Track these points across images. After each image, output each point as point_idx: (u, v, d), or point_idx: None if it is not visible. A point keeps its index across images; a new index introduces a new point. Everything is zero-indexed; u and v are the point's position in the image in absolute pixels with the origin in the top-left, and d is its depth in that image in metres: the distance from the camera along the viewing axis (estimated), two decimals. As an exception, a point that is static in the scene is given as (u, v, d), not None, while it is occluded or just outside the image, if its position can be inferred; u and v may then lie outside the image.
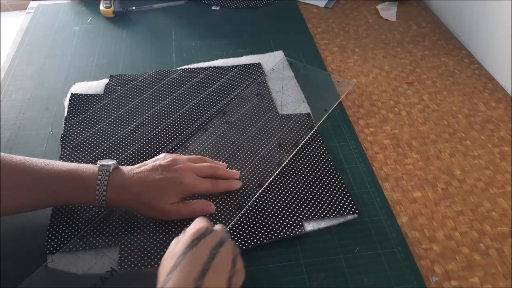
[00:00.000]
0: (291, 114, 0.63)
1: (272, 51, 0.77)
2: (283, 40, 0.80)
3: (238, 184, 0.53)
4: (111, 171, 0.45)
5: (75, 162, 0.53)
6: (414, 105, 0.67)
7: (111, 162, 0.46)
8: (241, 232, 0.49)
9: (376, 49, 0.80)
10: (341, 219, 0.50)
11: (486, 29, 0.75)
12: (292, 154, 0.57)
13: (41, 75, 0.72)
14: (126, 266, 0.45)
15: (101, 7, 0.86)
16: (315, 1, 0.92)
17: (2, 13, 2.20)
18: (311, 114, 0.64)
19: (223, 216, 0.50)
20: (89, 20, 0.87)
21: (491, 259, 0.48)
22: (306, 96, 0.67)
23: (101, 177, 0.45)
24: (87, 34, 0.82)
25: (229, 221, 0.49)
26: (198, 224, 0.41)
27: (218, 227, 0.42)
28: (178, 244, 0.38)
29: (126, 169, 0.47)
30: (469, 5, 0.79)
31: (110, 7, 0.85)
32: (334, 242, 0.49)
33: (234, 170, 0.54)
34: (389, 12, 0.89)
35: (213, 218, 0.50)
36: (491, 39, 0.74)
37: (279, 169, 0.55)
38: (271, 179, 0.54)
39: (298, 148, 0.58)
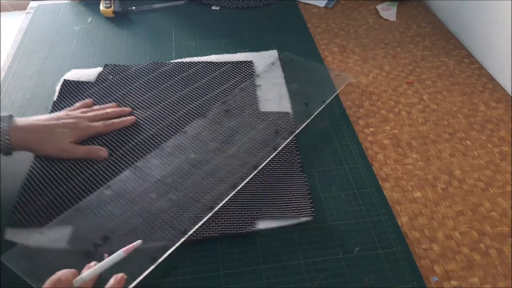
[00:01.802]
0: (271, 112, 0.63)
1: (272, 51, 0.77)
2: (283, 40, 0.80)
3: (131, 119, 0.60)
4: (8, 117, 0.52)
5: None
6: (414, 105, 0.68)
7: (5, 114, 0.52)
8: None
9: (376, 49, 0.80)
10: (295, 221, 0.50)
11: (486, 29, 0.75)
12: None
13: (41, 75, 0.72)
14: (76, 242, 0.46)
15: (101, 7, 0.86)
16: (315, 1, 0.92)
17: (2, 13, 2.20)
18: (308, 103, 0.64)
19: (217, 193, 0.50)
20: (89, 20, 0.87)
21: (491, 259, 0.48)
22: (303, 90, 0.67)
23: (1, 124, 0.50)
24: (87, 34, 0.82)
25: (226, 196, 0.50)
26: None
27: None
28: None
29: (23, 118, 0.54)
30: (469, 5, 0.79)
31: (110, 7, 0.85)
32: (334, 242, 0.49)
33: (126, 108, 0.62)
34: (389, 12, 0.89)
35: (185, 211, 0.49)
36: (491, 39, 0.74)
37: (274, 153, 0.56)
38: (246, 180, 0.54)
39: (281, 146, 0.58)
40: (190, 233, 0.47)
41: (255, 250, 0.48)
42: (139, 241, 0.42)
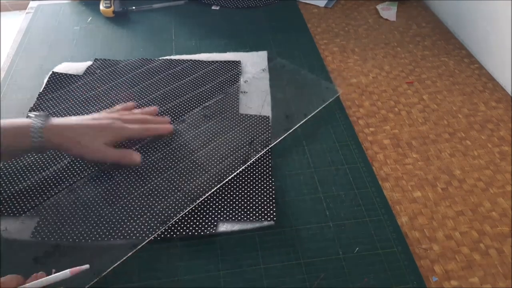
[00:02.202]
0: (249, 120, 0.62)
1: (272, 51, 0.77)
2: (283, 40, 0.80)
3: (168, 128, 0.58)
4: (44, 117, 0.51)
5: None
6: (414, 105, 0.68)
7: (42, 113, 0.52)
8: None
9: (376, 49, 0.80)
10: (256, 224, 0.50)
11: (486, 29, 0.75)
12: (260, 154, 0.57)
13: (41, 75, 0.72)
14: (38, 236, 0.47)
15: (101, 7, 0.86)
16: (315, 1, 0.92)
17: (2, 13, 2.20)
18: (289, 116, 0.62)
19: (175, 205, 0.50)
20: (89, 20, 0.87)
21: (491, 259, 0.48)
22: (289, 99, 0.65)
23: (35, 121, 0.50)
24: (87, 34, 0.82)
25: (183, 210, 0.49)
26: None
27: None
28: None
29: (62, 118, 0.54)
30: (469, 5, 0.79)
31: (110, 7, 0.85)
32: (334, 242, 0.49)
33: (165, 118, 0.60)
34: (389, 12, 0.89)
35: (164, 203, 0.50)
36: (491, 39, 0.74)
37: (243, 166, 0.55)
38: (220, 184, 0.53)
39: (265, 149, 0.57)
40: (138, 247, 0.46)
41: (255, 250, 0.48)
42: (86, 266, 0.42)
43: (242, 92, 0.67)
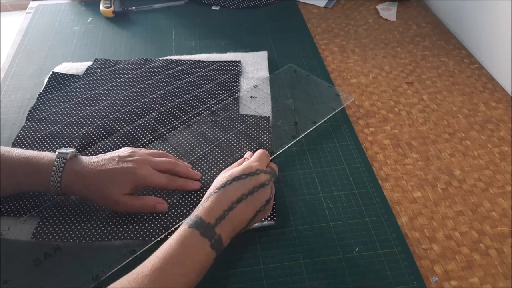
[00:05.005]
0: (255, 129, 0.61)
1: (272, 51, 0.77)
2: (283, 40, 0.80)
3: (196, 185, 0.52)
4: (68, 158, 0.47)
5: (36, 135, 0.58)
6: (414, 105, 0.68)
7: (69, 150, 0.47)
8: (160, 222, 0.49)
9: (376, 49, 0.80)
10: (256, 224, 0.49)
11: (486, 29, 0.75)
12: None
13: (41, 75, 0.72)
14: (39, 237, 0.47)
15: (101, 7, 0.86)
16: (315, 1, 0.92)
17: (2, 13, 2.20)
18: (298, 123, 0.62)
19: (175, 213, 0.49)
20: (89, 20, 0.87)
21: (491, 259, 0.48)
22: (297, 107, 0.64)
23: (58, 164, 0.46)
24: (87, 34, 0.82)
25: (180, 218, 0.49)
26: (251, 162, 0.47)
27: (270, 168, 0.48)
28: (229, 172, 0.46)
29: (85, 158, 0.48)
30: (469, 5, 0.79)
31: (110, 7, 0.85)
32: (334, 242, 0.49)
33: (195, 172, 0.53)
34: (389, 12, 0.89)
35: (163, 214, 0.50)
36: (491, 39, 0.74)
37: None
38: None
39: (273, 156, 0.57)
40: (138, 252, 0.46)
41: (255, 251, 0.48)
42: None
43: (251, 97, 0.66)
